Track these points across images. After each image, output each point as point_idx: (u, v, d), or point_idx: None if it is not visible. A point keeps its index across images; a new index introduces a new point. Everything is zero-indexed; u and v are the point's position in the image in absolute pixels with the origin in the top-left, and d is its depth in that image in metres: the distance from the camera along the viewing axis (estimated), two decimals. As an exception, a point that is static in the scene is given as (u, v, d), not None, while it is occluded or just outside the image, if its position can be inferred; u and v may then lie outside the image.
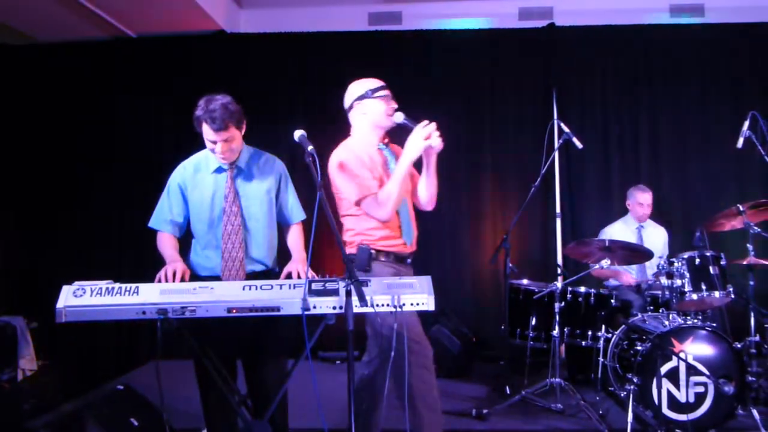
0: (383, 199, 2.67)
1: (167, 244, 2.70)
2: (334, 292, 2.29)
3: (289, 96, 5.37)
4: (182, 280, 2.46)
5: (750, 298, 3.86)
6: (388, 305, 2.32)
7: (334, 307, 2.27)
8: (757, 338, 3.88)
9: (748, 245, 3.81)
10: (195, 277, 2.64)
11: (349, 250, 2.75)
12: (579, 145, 3.90)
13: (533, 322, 4.06)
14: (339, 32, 5.41)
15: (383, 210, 2.68)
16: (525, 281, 4.24)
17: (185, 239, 2.78)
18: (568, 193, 5.19)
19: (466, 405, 3.81)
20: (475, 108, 5.31)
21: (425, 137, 2.65)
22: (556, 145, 4.29)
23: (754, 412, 3.37)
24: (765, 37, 5.14)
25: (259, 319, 2.27)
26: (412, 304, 2.35)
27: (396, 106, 2.85)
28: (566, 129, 3.96)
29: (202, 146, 2.70)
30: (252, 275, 2.67)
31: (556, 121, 4.28)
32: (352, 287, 2.21)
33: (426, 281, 2.44)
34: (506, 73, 5.34)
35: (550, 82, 5.24)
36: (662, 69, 5.25)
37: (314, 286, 2.32)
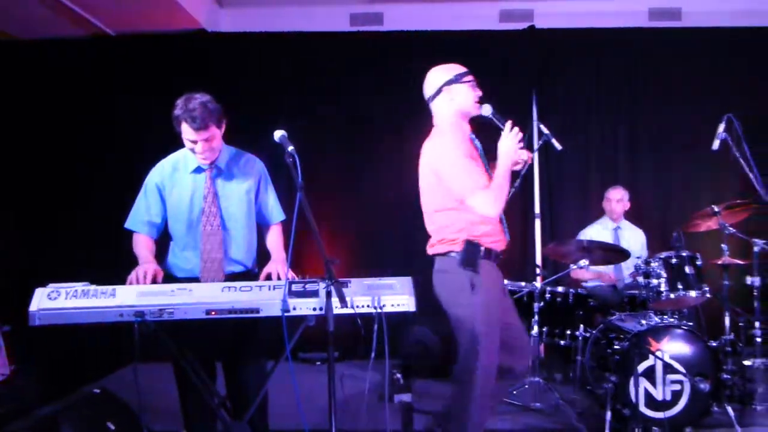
0: (497, 194, 2.53)
1: (142, 246, 2.67)
2: (315, 294, 2.30)
3: (269, 96, 5.33)
4: (154, 281, 2.44)
5: (725, 297, 3.93)
6: (368, 306, 2.33)
7: (315, 309, 2.28)
8: (732, 337, 3.96)
9: (722, 245, 3.88)
10: (172, 278, 2.61)
11: (448, 247, 2.63)
12: (558, 146, 3.92)
13: (513, 322, 4.09)
14: (320, 32, 5.41)
15: (496, 205, 2.53)
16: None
17: (163, 241, 2.76)
18: (547, 194, 5.23)
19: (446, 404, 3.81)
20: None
21: (518, 145, 2.61)
22: (536, 146, 4.33)
23: (729, 409, 3.43)
24: (740, 42, 5.24)
25: (239, 320, 2.26)
26: (392, 305, 2.37)
27: (481, 93, 2.74)
28: (546, 130, 3.98)
29: (182, 145, 2.67)
30: (231, 276, 2.65)
31: (536, 123, 4.32)
32: (332, 288, 2.21)
33: (407, 282, 2.46)
34: (487, 75, 5.33)
35: (530, 84, 5.27)
36: (641, 72, 5.33)
37: (294, 287, 2.32)
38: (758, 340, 3.64)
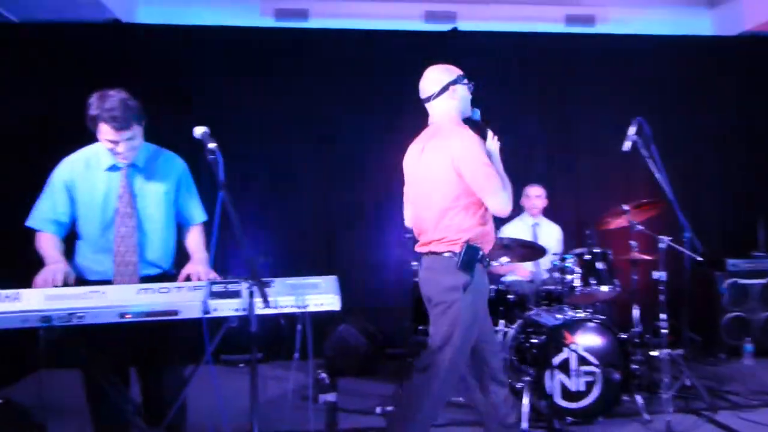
0: (509, 194, 2.61)
1: (49, 245, 2.50)
2: (237, 294, 2.24)
3: (191, 91, 5.13)
4: (65, 284, 2.31)
5: (634, 291, 4.15)
6: (292, 306, 2.30)
7: (237, 309, 2.22)
8: (640, 329, 4.19)
9: (631, 242, 4.09)
10: (84, 282, 2.47)
11: (447, 247, 2.61)
12: (481, 146, 4.03)
13: (436, 318, 4.15)
14: (244, 27, 5.28)
15: (510, 204, 2.60)
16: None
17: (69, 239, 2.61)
18: (470, 192, 5.35)
19: (372, 403, 3.84)
20: (378, 108, 5.34)
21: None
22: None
23: (638, 397, 3.63)
24: (649, 48, 5.53)
25: (156, 324, 2.17)
26: (317, 305, 2.34)
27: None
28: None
29: (91, 139, 2.53)
30: (146, 279, 2.53)
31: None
32: (255, 288, 2.17)
33: (331, 281, 2.44)
34: (411, 74, 5.38)
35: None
36: (559, 74, 5.52)
37: (215, 288, 2.26)
38: (664, 331, 3.85)
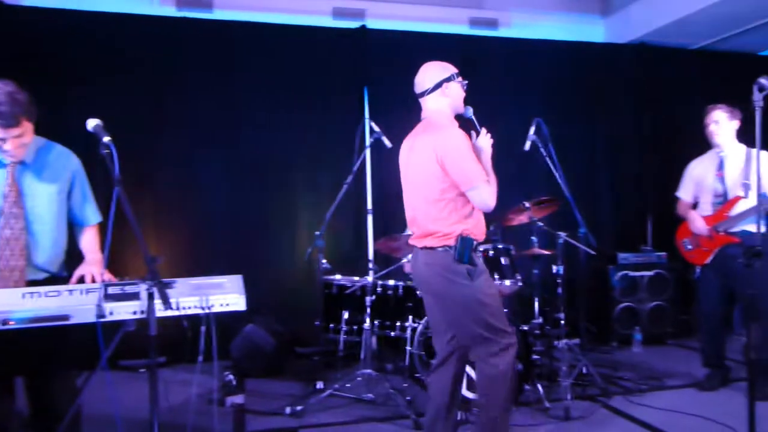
0: (494, 188, 2.66)
1: None
2: (135, 296, 2.14)
3: (79, 80, 4.80)
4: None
5: (535, 285, 4.34)
6: (195, 307, 2.22)
7: (135, 312, 2.11)
8: (541, 320, 4.37)
9: (532, 238, 4.27)
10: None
11: (443, 242, 2.65)
12: (388, 144, 4.07)
13: (346, 316, 4.16)
14: (142, 16, 5.02)
15: (494, 198, 2.65)
16: (338, 276, 4.32)
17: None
18: (379, 190, 5.38)
19: (281, 403, 3.77)
20: (287, 104, 5.26)
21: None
22: (368, 143, 4.42)
23: (539, 386, 3.78)
24: (548, 53, 5.79)
25: (45, 330, 2.02)
26: (221, 305, 2.27)
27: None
28: (377, 128, 4.10)
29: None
30: (33, 284, 2.34)
31: (367, 121, 4.41)
32: (154, 289, 2.07)
33: (237, 280, 2.38)
34: (320, 71, 5.37)
35: (362, 82, 5.38)
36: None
37: (111, 290, 2.14)
38: (562, 322, 4.05)
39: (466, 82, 2.92)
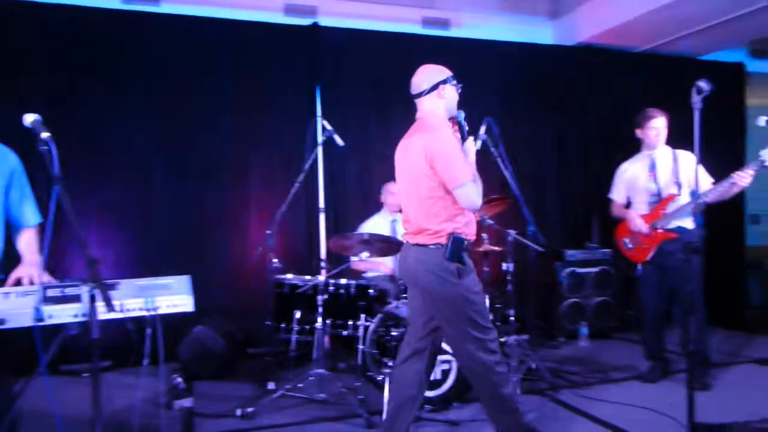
0: (479, 188, 2.72)
1: None
2: (76, 299, 2.06)
3: (16, 74, 4.58)
4: None
5: (485, 281, 4.40)
6: (141, 309, 2.16)
7: (76, 315, 2.04)
8: (491, 317, 4.43)
9: (483, 235, 4.33)
10: None
11: (434, 240, 2.72)
12: (340, 142, 4.05)
13: (298, 315, 4.12)
14: (87, 7, 4.82)
15: (480, 198, 2.71)
16: (289, 276, 4.28)
17: None
18: (331, 188, 5.35)
19: (231, 405, 3.71)
20: (238, 102, 5.18)
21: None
22: (320, 142, 4.39)
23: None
24: (498, 53, 5.87)
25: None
26: (168, 307, 2.22)
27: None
28: (329, 126, 4.08)
29: None
30: (-35, 287, 2.23)
31: (319, 119, 4.38)
32: (96, 292, 2.00)
33: (184, 281, 2.33)
34: (271, 68, 5.30)
35: (314, 80, 5.34)
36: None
37: (50, 292, 2.06)
38: (512, 318, 4.13)
39: (461, 85, 3.00)
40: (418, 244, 2.80)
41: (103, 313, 2.01)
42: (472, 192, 2.69)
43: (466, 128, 2.94)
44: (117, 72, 4.85)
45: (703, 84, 2.69)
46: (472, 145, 2.93)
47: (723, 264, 5.90)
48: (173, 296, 2.21)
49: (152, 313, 2.15)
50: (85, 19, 4.78)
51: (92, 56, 4.79)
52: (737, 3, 5.11)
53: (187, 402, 3.46)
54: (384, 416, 2.93)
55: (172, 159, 5.00)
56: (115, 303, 2.03)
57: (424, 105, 2.95)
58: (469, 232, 2.83)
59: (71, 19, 4.75)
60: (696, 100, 2.71)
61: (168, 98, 4.98)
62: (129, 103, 4.88)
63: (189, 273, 2.68)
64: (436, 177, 2.71)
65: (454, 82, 2.98)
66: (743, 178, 3.70)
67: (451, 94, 2.95)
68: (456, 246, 2.70)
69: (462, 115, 2.95)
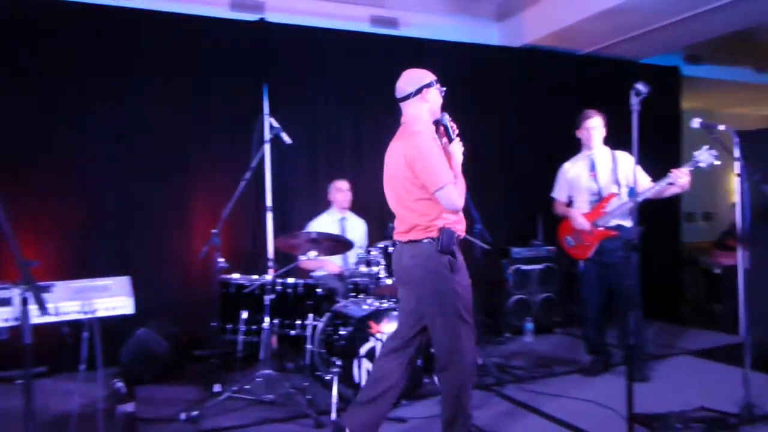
0: (461, 189, 2.82)
1: None
2: (6, 302, 1.97)
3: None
4: None
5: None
6: (77, 312, 2.08)
7: (7, 320, 1.95)
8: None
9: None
10: None
11: (425, 234, 2.80)
12: (288, 140, 4.00)
13: (244, 316, 4.06)
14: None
15: (462, 198, 2.80)
16: (236, 275, 4.21)
17: None
18: (279, 187, 5.29)
19: (176, 409, 3.61)
20: (183, 99, 5.05)
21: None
22: (266, 140, 4.34)
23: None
24: (446, 53, 5.92)
25: None
26: (107, 309, 2.14)
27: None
28: (276, 124, 4.03)
29: None
30: None
31: (266, 116, 4.32)
32: (29, 294, 1.91)
33: (124, 282, 2.26)
34: (217, 64, 5.19)
35: (261, 77, 5.26)
36: (363, 73, 5.67)
37: (-22, 296, 1.96)
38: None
39: (444, 89, 3.04)
40: (411, 241, 2.87)
41: (36, 317, 1.93)
42: (452, 194, 2.76)
43: (453, 129, 2.98)
44: (57, 69, 4.66)
45: (640, 86, 2.78)
46: (459, 147, 2.99)
47: (660, 260, 6.14)
48: (112, 298, 2.14)
49: (89, 316, 2.07)
50: (20, 8, 4.57)
51: (25, 51, 4.59)
52: (672, 10, 5.32)
53: (128, 407, 3.36)
54: (358, 403, 2.96)
55: (113, 156, 4.83)
56: (50, 306, 1.94)
57: (408, 109, 3.00)
58: (460, 228, 2.93)
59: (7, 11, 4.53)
60: (634, 102, 2.81)
61: (108, 95, 4.81)
62: (67, 100, 4.68)
63: (131, 274, 2.60)
64: (418, 180, 2.79)
65: (438, 85, 3.02)
66: (679, 177, 3.85)
67: (434, 97, 2.99)
68: (448, 238, 2.80)
69: (446, 117, 2.99)
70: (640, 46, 6.35)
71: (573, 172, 4.45)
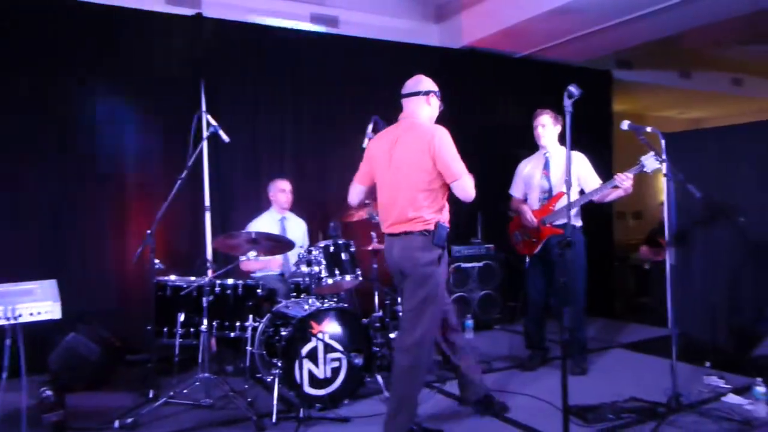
0: (473, 182, 3.11)
1: None
2: None
3: None
4: None
5: (374, 279, 4.44)
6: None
7: None
8: (380, 313, 4.50)
9: (372, 233, 4.38)
10: None
11: (423, 227, 3.04)
12: (226, 138, 3.91)
13: (182, 318, 3.94)
14: None
15: (473, 192, 3.09)
16: (172, 277, 4.09)
17: None
18: (217, 186, 5.17)
19: (109, 417, 3.47)
20: (117, 94, 4.87)
21: None
22: (204, 137, 4.23)
23: (378, 377, 3.89)
24: (386, 52, 5.95)
25: None
26: (32, 314, 2.04)
27: None
28: (213, 122, 3.93)
29: None
30: None
31: (204, 114, 4.21)
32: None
33: (50, 286, 2.16)
34: (153, 59, 5.03)
35: (198, 73, 5.13)
36: (303, 71, 5.63)
37: None
38: (401, 314, 4.18)
39: (443, 105, 3.38)
40: (405, 233, 3.09)
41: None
42: (468, 184, 3.08)
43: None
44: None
45: (573, 89, 2.85)
46: None
47: (595, 258, 6.34)
48: (37, 303, 2.04)
49: (12, 321, 1.97)
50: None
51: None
52: (603, 16, 5.52)
53: (56, 416, 3.22)
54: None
55: (40, 154, 4.61)
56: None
57: (411, 105, 3.27)
58: (448, 222, 3.19)
59: None
60: (567, 104, 2.88)
61: (37, 91, 4.59)
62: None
63: (59, 277, 2.48)
64: (435, 170, 3.05)
65: (439, 100, 3.33)
66: (624, 180, 3.94)
67: (435, 105, 3.31)
68: (441, 232, 3.06)
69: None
70: (574, 50, 6.56)
71: (527, 170, 4.51)
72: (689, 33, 6.36)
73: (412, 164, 3.09)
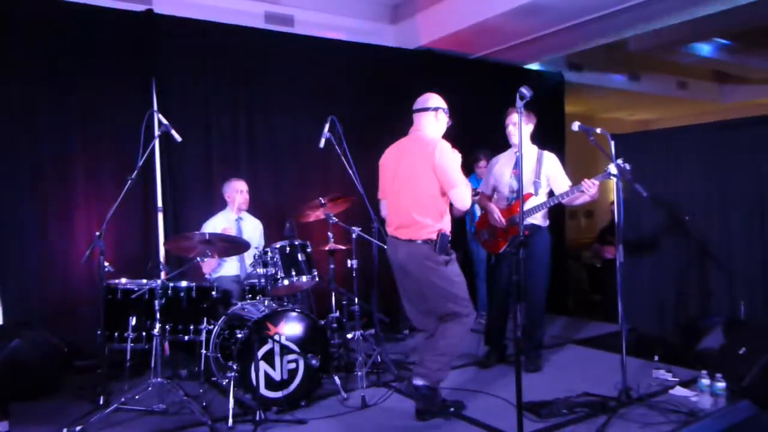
0: (469, 191, 3.40)
1: None
2: None
3: None
4: None
5: (331, 279, 4.43)
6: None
7: None
8: (337, 314, 4.49)
9: (329, 233, 4.35)
10: None
11: (427, 235, 3.35)
12: (177, 138, 3.83)
13: (133, 322, 3.84)
14: None
15: (469, 200, 3.39)
16: (123, 280, 3.97)
17: None
18: (170, 186, 5.06)
19: (56, 425, 3.36)
20: (66, 91, 4.70)
21: None
22: (156, 137, 4.13)
23: (336, 378, 3.87)
24: (342, 52, 5.94)
25: None
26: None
27: None
28: (164, 121, 3.84)
29: None
30: None
31: (155, 113, 4.11)
32: None
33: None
34: (102, 56, 4.88)
35: (149, 71, 5.01)
36: (258, 70, 5.55)
37: None
38: (357, 315, 4.19)
39: (451, 122, 3.61)
40: (410, 240, 3.38)
41: None
42: (465, 193, 3.34)
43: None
44: None
45: (524, 90, 2.90)
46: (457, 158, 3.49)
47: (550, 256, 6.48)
48: (-24, 308, 1.95)
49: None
50: None
51: None
52: (554, 19, 5.63)
53: (2, 426, 3.10)
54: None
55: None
56: None
57: (421, 119, 3.57)
58: (450, 230, 3.44)
59: None
60: (519, 105, 2.93)
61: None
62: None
63: (1, 281, 2.38)
64: (437, 183, 3.33)
65: (448, 117, 3.58)
66: (590, 187, 3.99)
67: (443, 120, 3.57)
68: (444, 241, 3.34)
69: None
70: (528, 53, 6.67)
71: (498, 169, 4.51)
72: (637, 37, 6.56)
73: (415, 173, 3.38)
